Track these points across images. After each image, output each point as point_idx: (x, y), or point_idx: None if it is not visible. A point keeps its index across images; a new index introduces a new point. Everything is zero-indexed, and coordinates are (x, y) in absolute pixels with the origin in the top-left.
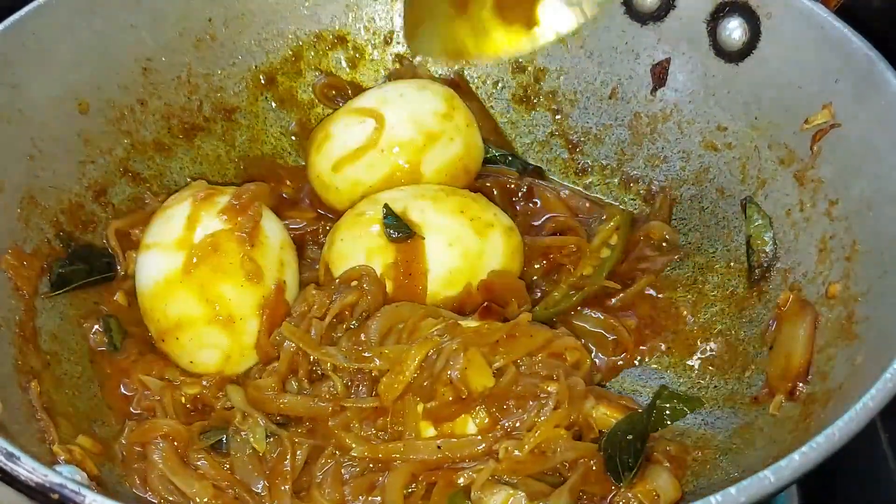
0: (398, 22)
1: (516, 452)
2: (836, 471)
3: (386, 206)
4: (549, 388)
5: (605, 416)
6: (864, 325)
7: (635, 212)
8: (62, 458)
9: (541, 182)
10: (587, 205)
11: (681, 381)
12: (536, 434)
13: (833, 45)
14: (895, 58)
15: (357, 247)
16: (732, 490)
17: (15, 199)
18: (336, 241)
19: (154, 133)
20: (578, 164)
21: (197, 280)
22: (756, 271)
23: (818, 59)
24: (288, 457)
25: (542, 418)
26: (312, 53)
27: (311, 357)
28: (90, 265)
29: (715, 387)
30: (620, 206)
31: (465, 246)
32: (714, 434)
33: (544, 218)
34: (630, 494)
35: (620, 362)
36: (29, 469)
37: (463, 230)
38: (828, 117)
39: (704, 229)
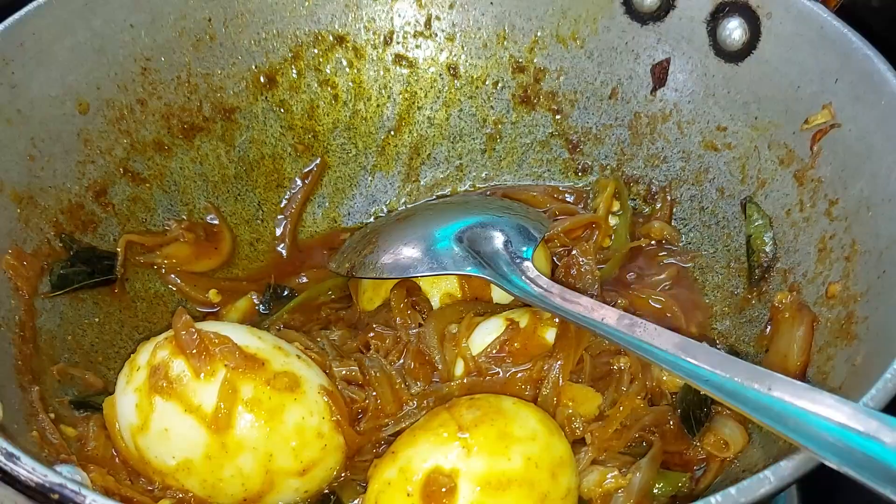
0: (398, 22)
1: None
2: (836, 471)
3: None
4: (620, 363)
5: (672, 376)
6: (863, 325)
7: (636, 209)
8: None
9: (517, 185)
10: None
11: None
12: (620, 409)
13: (833, 45)
14: (895, 58)
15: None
16: (732, 490)
17: (15, 199)
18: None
19: (154, 133)
20: (578, 164)
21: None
22: (756, 271)
23: (818, 58)
24: None
25: (621, 393)
26: (312, 53)
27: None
28: (92, 267)
29: None
30: (601, 177)
31: None
32: None
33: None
34: (701, 446)
35: None
36: (29, 469)
37: None
38: (828, 117)
39: (704, 229)
